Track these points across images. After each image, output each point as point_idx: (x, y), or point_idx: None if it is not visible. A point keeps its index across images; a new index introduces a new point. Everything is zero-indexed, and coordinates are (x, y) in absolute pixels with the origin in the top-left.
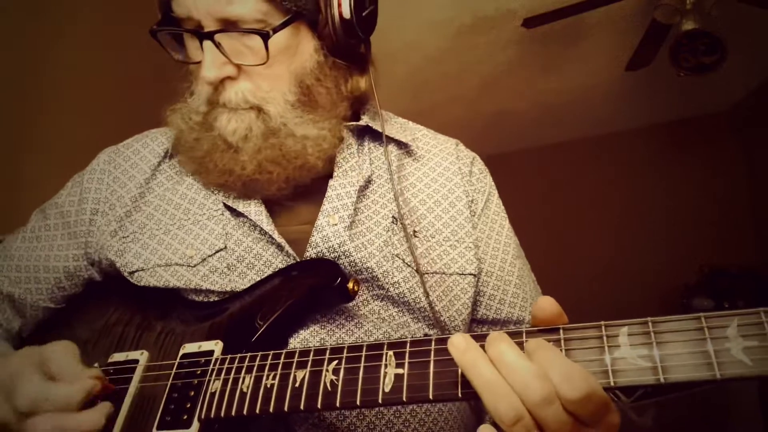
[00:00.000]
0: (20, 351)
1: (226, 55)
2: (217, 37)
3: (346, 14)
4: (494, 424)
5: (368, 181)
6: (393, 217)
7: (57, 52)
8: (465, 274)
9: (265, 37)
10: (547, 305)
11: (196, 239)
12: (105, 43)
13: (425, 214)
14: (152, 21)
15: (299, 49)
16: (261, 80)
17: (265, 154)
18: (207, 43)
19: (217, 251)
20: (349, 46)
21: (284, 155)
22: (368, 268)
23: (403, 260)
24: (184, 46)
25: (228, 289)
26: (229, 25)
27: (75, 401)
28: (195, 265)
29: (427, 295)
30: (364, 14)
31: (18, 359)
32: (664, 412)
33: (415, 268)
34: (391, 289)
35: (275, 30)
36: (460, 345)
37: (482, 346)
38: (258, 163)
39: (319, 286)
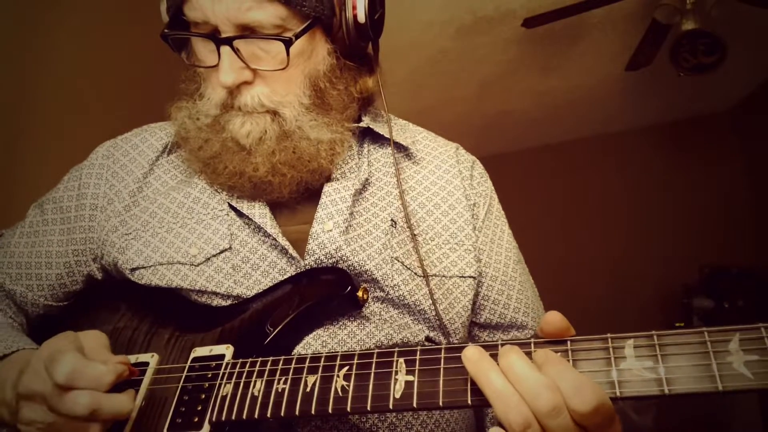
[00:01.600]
0: (60, 333)
1: (244, 60)
2: (236, 43)
3: (361, 18)
4: (500, 425)
5: (365, 184)
6: (392, 220)
7: (57, 48)
8: (465, 277)
9: (288, 43)
10: (555, 320)
11: (200, 238)
12: (105, 39)
13: (425, 217)
14: (154, 19)
15: (314, 53)
16: (277, 84)
17: (279, 156)
18: (225, 49)
19: (221, 251)
20: (360, 49)
21: (299, 158)
22: (367, 270)
23: (403, 263)
24: (189, 49)
25: (233, 291)
26: (248, 31)
27: (106, 381)
28: (198, 265)
29: (433, 300)
30: (375, 17)
31: (59, 338)
32: (664, 413)
33: (414, 271)
34: (391, 291)
35: (297, 36)
36: (473, 356)
37: (494, 356)
38: (272, 166)
39: (329, 294)
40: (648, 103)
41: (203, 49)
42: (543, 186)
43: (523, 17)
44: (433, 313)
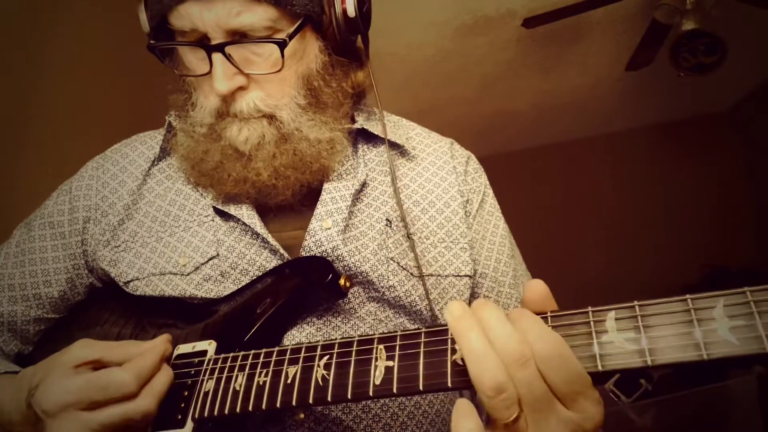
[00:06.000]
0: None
1: (237, 65)
2: (228, 48)
3: (351, 13)
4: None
5: (363, 185)
6: (387, 219)
7: (55, 55)
8: (461, 276)
9: (282, 45)
10: (538, 287)
11: (188, 247)
12: (104, 47)
13: (420, 215)
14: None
15: (306, 52)
16: (271, 87)
17: (281, 159)
18: (217, 56)
19: (209, 259)
20: (350, 43)
21: (300, 159)
22: (363, 272)
23: (398, 263)
24: (176, 58)
25: (223, 297)
26: (238, 36)
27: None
28: (188, 274)
29: (429, 301)
30: (364, 10)
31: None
32: (664, 413)
33: (410, 271)
34: (387, 292)
35: (290, 37)
36: (455, 311)
37: None
38: (274, 169)
39: (310, 284)
40: (648, 103)
41: (192, 58)
42: (542, 186)
43: (523, 17)
44: (430, 314)
